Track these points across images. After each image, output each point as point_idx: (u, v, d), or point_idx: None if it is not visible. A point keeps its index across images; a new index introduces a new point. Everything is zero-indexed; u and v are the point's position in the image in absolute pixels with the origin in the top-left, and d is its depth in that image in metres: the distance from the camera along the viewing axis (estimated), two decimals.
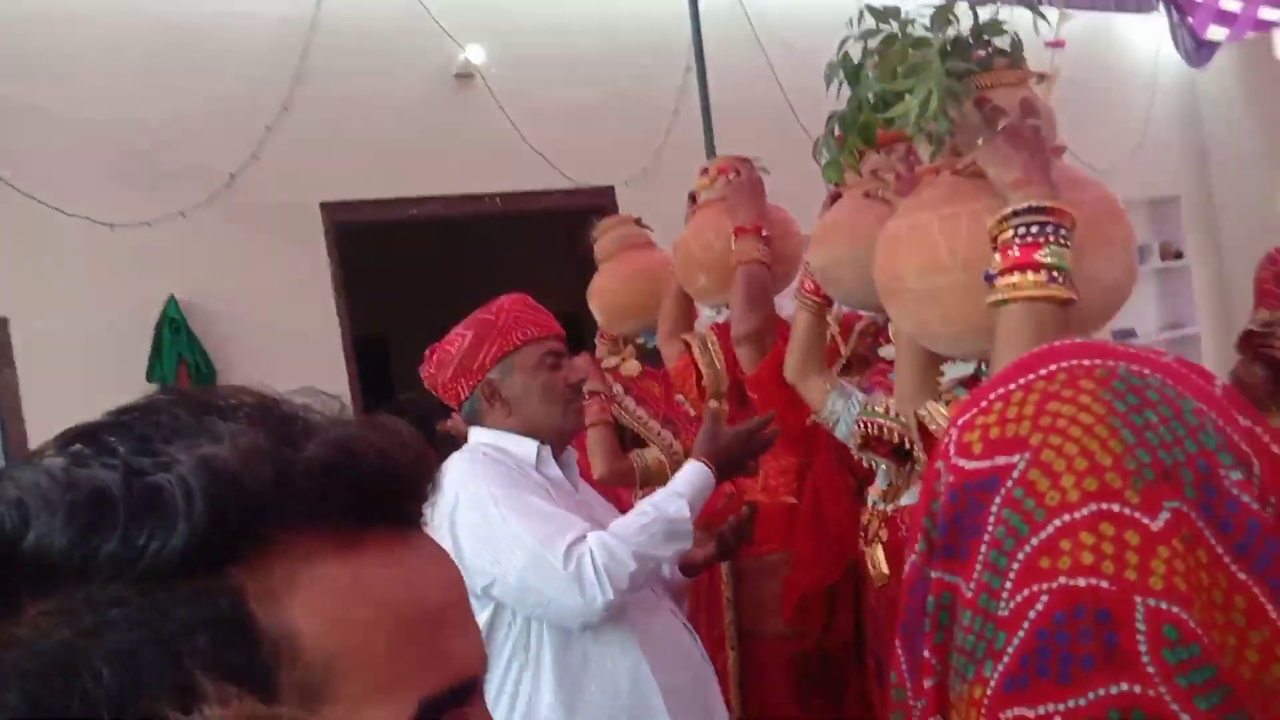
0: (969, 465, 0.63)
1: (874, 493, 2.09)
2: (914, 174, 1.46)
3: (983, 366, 1.44)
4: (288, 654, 0.41)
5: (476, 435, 1.85)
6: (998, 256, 1.19)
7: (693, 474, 1.80)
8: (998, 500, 0.61)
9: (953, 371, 1.47)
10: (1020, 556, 0.59)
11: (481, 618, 1.66)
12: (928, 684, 0.65)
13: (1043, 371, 0.63)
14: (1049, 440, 0.60)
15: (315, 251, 4.31)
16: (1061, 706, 0.55)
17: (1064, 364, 0.63)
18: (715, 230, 2.33)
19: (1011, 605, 0.59)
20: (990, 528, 0.60)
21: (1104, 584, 0.56)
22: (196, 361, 3.89)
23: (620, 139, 5.06)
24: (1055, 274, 1.15)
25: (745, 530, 2.12)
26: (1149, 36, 6.72)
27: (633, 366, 2.93)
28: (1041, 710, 0.56)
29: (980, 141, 1.27)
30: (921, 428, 1.43)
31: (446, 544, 1.63)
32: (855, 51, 1.45)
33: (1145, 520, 0.56)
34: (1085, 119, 6.09)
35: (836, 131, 1.53)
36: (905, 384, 1.55)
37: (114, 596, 0.40)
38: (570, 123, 4.88)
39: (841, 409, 1.97)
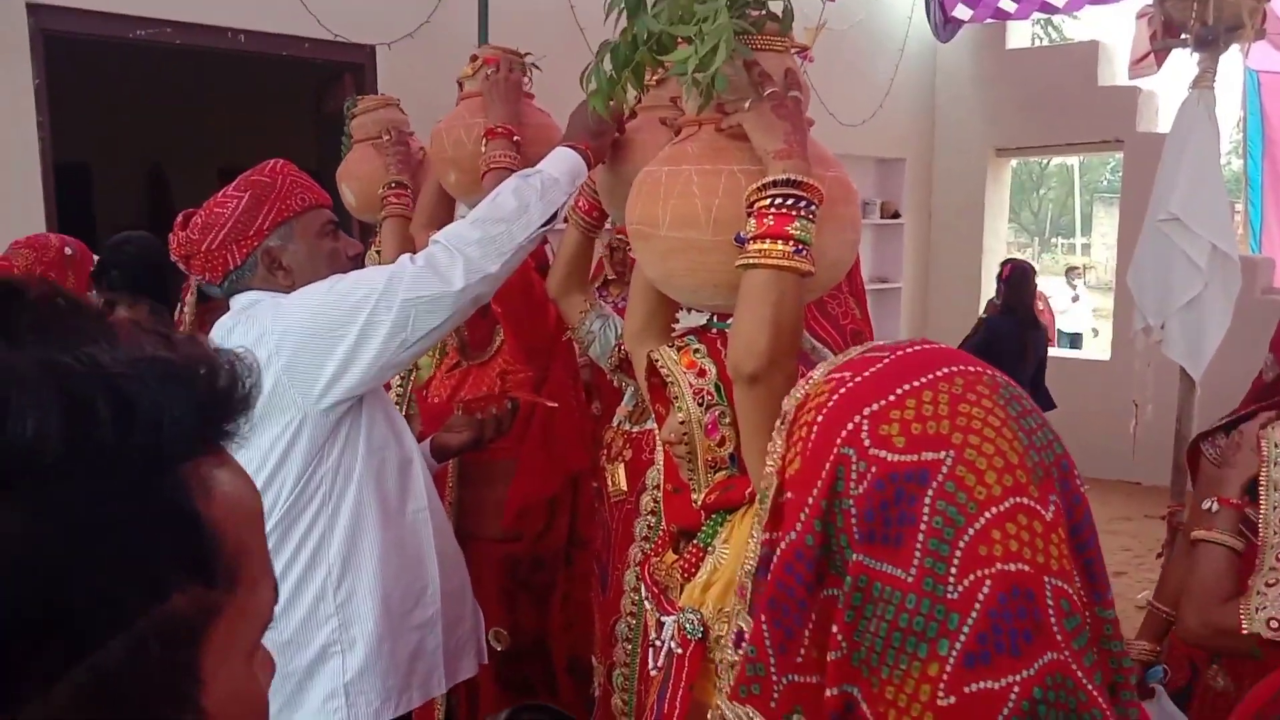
0: (893, 458, 0.70)
1: (620, 413, 2.17)
2: (677, 122, 1.47)
3: (713, 318, 1.52)
4: (218, 544, 0.47)
5: (251, 296, 1.71)
6: (752, 222, 1.23)
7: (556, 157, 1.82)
8: (930, 493, 0.69)
9: (688, 319, 1.53)
10: (961, 545, 0.68)
11: (290, 475, 1.62)
12: (832, 657, 0.72)
13: (940, 373, 0.72)
14: (969, 440, 0.69)
15: (16, 61, 3.76)
16: (1018, 677, 0.66)
17: (953, 368, 0.73)
18: (466, 127, 2.20)
19: (960, 589, 0.68)
20: (926, 518, 0.69)
21: (1025, 568, 0.67)
22: None
23: None
24: (801, 247, 1.21)
25: (505, 423, 2.14)
26: (905, 2, 7.14)
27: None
28: (1003, 682, 0.66)
29: (747, 105, 1.31)
30: (650, 367, 1.49)
31: (281, 362, 1.56)
32: None
33: (1042, 510, 0.68)
34: (841, 73, 6.42)
35: (608, 66, 1.49)
36: (636, 322, 1.59)
37: (94, 493, 0.42)
38: None
39: (599, 330, 2.02)
